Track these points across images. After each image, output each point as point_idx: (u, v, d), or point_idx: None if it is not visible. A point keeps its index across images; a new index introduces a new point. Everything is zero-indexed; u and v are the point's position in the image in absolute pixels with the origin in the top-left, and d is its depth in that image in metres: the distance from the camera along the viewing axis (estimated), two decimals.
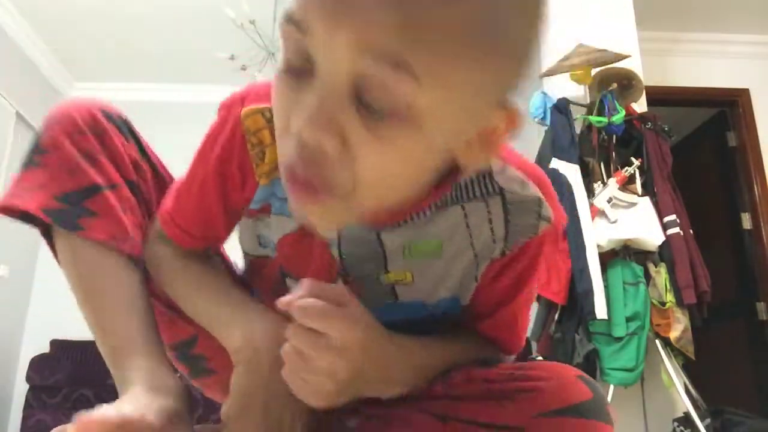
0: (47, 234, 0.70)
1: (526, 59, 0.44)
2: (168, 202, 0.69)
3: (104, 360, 0.65)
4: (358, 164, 0.43)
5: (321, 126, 0.41)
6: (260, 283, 0.72)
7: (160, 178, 0.76)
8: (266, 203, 0.63)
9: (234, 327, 0.59)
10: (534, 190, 0.58)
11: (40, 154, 0.69)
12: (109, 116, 0.71)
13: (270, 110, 0.57)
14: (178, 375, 0.74)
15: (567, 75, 2.54)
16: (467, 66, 0.40)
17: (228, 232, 0.70)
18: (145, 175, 0.74)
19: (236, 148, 0.61)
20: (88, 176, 0.68)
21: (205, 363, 0.77)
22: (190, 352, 0.77)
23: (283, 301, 0.50)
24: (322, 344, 0.49)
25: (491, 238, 0.59)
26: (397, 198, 0.49)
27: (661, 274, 2.22)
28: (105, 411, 0.50)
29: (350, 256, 0.61)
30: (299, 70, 0.43)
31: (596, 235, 2.21)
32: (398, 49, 0.38)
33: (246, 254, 0.73)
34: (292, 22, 0.41)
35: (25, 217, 0.68)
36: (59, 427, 0.51)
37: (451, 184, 0.56)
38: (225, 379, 0.61)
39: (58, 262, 0.70)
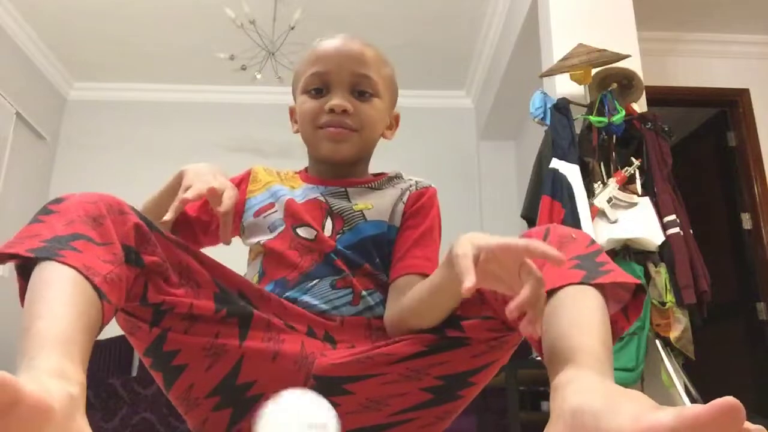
0: (25, 273, 0.68)
1: (396, 98, 1.08)
2: None
3: (35, 343, 0.59)
4: (360, 114, 0.98)
5: (345, 100, 0.97)
6: (276, 258, 0.95)
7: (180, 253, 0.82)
8: (268, 203, 1.01)
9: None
10: (418, 179, 1.07)
11: (46, 214, 0.71)
12: (135, 209, 0.78)
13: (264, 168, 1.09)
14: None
15: (567, 75, 2.54)
16: (388, 86, 1.04)
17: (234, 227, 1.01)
18: (155, 249, 0.78)
19: (244, 179, 1.06)
20: (83, 229, 0.69)
21: (174, 357, 0.81)
22: (162, 350, 0.80)
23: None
24: None
25: (405, 187, 1.04)
26: (374, 137, 1.03)
27: (661, 274, 2.22)
28: (4, 374, 0.44)
29: (333, 203, 1.00)
30: (317, 90, 1.00)
31: (596, 235, 2.20)
32: (368, 72, 0.99)
33: (260, 248, 0.97)
34: (317, 73, 0.99)
35: (14, 261, 0.68)
36: None
37: (385, 176, 1.06)
38: (196, 370, 0.80)
39: (23, 298, 0.66)
